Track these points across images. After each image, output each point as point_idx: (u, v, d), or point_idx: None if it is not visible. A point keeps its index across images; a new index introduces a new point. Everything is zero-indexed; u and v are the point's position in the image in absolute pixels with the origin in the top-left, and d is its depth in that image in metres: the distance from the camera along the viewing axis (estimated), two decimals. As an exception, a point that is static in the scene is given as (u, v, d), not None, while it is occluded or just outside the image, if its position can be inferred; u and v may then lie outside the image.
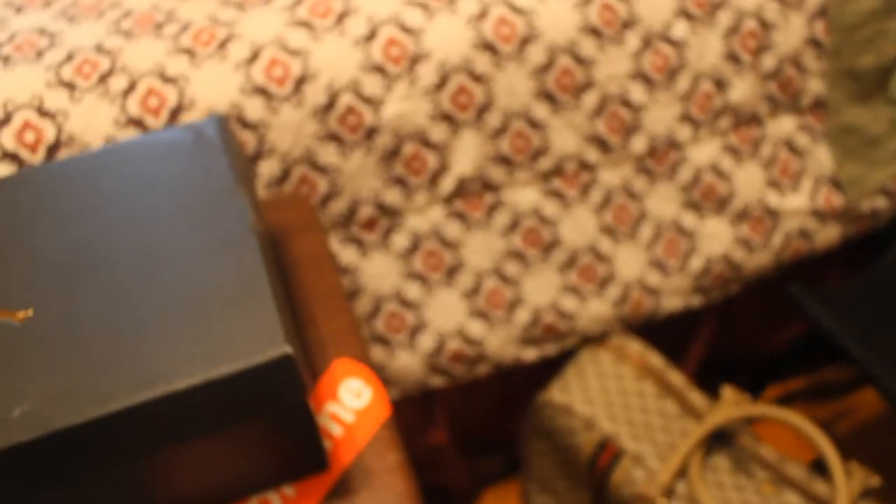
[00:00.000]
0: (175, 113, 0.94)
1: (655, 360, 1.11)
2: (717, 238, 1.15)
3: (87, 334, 0.64)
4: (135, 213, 0.72)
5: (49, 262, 0.69)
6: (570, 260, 1.11)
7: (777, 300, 1.17)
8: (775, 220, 1.15)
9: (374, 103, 0.99)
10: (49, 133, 0.93)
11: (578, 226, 1.10)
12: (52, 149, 0.93)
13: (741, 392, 1.08)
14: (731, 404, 1.05)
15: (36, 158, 0.93)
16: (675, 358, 1.22)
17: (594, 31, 1.03)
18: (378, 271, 1.05)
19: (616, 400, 1.09)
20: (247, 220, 0.70)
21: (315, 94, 0.99)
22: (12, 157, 0.92)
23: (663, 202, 1.13)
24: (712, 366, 1.29)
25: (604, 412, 1.07)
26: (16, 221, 0.73)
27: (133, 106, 0.94)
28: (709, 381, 1.20)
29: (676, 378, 1.10)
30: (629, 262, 1.13)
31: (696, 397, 1.09)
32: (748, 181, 1.14)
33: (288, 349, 0.62)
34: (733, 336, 1.27)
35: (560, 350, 1.17)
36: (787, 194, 1.15)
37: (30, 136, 0.93)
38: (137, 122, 0.94)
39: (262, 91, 0.95)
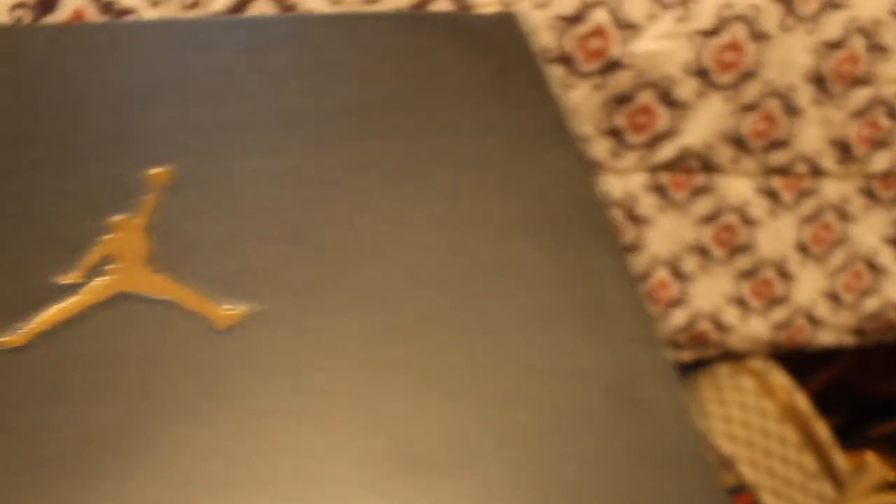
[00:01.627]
0: None
1: (803, 403, 0.97)
2: (906, 286, 0.99)
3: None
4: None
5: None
6: (752, 270, 0.93)
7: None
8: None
9: (628, 30, 0.77)
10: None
11: (776, 235, 0.93)
12: None
13: (884, 463, 0.95)
14: (876, 478, 0.92)
15: None
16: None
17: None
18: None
19: (759, 441, 0.94)
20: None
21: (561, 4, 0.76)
22: None
23: (868, 232, 0.96)
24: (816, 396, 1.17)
25: (745, 454, 0.92)
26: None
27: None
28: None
29: (822, 431, 0.96)
30: (808, 287, 0.97)
31: (840, 459, 0.96)
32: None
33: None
34: (858, 375, 1.14)
35: (695, 358, 1.01)
36: None
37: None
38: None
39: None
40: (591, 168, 0.50)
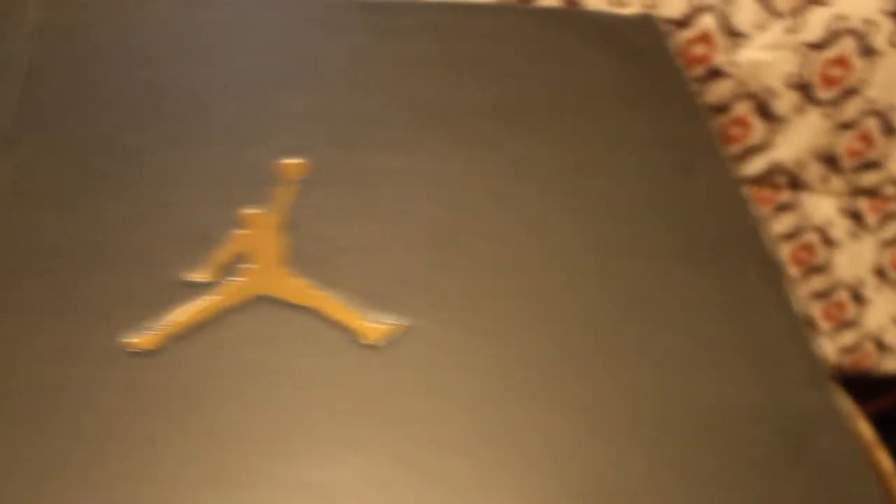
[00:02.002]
0: None
1: (866, 430, 0.94)
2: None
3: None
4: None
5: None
6: (825, 291, 0.91)
7: None
8: None
9: (734, 38, 0.74)
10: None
11: (854, 257, 0.90)
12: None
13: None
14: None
15: None
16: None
17: None
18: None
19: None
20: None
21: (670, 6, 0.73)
22: None
23: (948, 260, 0.93)
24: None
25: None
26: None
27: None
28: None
29: (884, 460, 0.93)
30: (879, 312, 0.94)
31: (899, 490, 0.93)
32: None
33: None
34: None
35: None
36: None
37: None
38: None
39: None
40: (744, 189, 0.47)
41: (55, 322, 0.37)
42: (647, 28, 0.52)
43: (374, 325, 0.39)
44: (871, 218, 0.90)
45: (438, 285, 0.39)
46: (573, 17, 0.51)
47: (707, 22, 0.75)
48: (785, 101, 0.79)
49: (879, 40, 0.77)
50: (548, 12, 0.53)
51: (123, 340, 0.37)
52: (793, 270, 0.92)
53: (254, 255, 0.40)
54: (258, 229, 0.41)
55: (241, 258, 0.40)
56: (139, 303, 0.38)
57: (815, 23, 0.75)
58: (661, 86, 0.49)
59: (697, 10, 0.74)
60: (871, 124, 0.83)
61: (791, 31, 0.74)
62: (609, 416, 0.38)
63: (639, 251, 0.42)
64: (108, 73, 0.46)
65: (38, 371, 0.36)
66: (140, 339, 0.38)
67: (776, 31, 0.74)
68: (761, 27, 0.75)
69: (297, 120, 0.44)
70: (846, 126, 0.82)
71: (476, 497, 0.35)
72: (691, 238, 0.44)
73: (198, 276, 0.40)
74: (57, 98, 0.45)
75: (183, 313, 0.38)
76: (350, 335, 0.38)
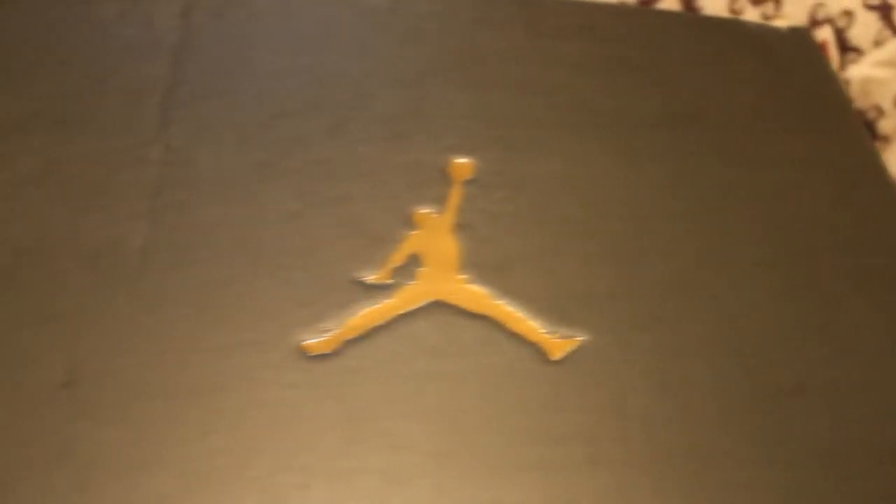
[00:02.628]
0: None
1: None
2: None
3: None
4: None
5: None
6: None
7: None
8: None
9: (850, 54, 0.72)
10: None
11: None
12: None
13: None
14: None
15: None
16: None
17: None
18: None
19: None
20: None
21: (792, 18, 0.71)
22: None
23: None
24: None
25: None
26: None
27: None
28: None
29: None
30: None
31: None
32: None
33: None
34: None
35: None
36: None
37: None
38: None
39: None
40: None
41: (225, 319, 0.36)
42: (800, 42, 0.50)
43: (556, 339, 0.37)
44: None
45: (618, 302, 0.38)
46: (731, 28, 0.50)
47: (825, 34, 0.73)
48: (892, 121, 0.77)
49: None
50: (706, 22, 0.51)
51: (301, 344, 0.36)
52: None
53: (427, 258, 0.39)
54: (430, 231, 0.39)
55: (414, 260, 0.39)
56: (311, 303, 0.37)
57: (936, 42, 0.73)
58: (818, 104, 0.47)
59: (817, 23, 0.73)
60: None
61: (912, 47, 0.73)
62: (795, 446, 0.36)
63: (814, 282, 0.41)
64: (263, 57, 0.44)
65: (210, 369, 0.35)
66: (316, 343, 0.36)
67: (893, 47, 0.73)
68: (879, 43, 0.73)
69: (459, 118, 0.42)
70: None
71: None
72: (865, 269, 0.42)
73: (372, 278, 0.38)
74: (209, 79, 0.43)
75: (358, 316, 0.37)
76: (530, 348, 0.37)
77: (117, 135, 0.41)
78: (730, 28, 0.50)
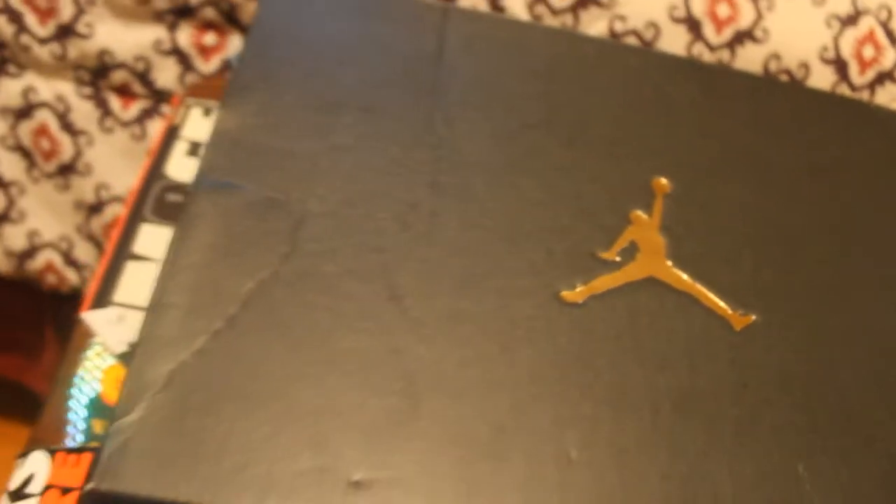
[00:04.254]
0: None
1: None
2: None
3: None
4: None
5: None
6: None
7: None
8: None
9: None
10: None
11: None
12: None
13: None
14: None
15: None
16: None
17: None
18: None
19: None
20: None
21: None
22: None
23: None
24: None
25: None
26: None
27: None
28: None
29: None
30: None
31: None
32: None
33: None
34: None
35: None
36: None
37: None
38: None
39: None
40: None
41: (500, 268, 0.48)
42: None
43: (738, 315, 0.50)
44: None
45: (783, 292, 0.51)
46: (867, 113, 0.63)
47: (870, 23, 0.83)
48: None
49: None
50: (851, 102, 0.64)
51: (559, 293, 0.48)
52: None
53: (642, 246, 0.51)
54: (643, 227, 0.52)
55: (633, 246, 0.51)
56: (562, 266, 0.49)
57: None
58: None
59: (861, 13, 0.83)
60: None
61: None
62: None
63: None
64: (505, 80, 0.57)
65: (493, 303, 0.47)
66: (571, 293, 0.48)
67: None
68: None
69: (656, 148, 0.55)
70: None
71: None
72: None
73: (604, 255, 0.51)
74: (465, 92, 0.56)
75: (597, 280, 0.49)
76: (719, 320, 0.49)
77: (405, 123, 0.54)
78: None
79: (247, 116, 0.52)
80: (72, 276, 0.84)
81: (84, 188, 0.80)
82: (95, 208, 0.81)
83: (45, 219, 0.82)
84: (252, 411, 0.42)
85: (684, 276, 0.51)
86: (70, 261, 0.83)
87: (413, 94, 0.56)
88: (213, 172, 0.50)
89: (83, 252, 0.83)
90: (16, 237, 0.83)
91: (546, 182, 0.53)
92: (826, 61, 0.80)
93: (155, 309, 0.45)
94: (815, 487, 0.45)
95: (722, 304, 0.50)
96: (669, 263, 0.52)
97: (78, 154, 0.79)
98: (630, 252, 0.52)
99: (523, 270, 0.49)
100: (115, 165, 0.79)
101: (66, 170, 0.80)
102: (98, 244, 0.83)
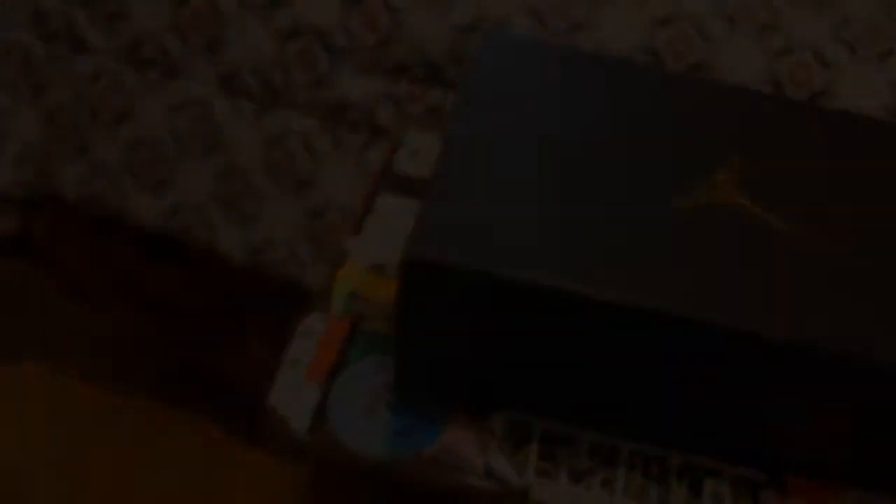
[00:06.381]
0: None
1: None
2: None
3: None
4: None
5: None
6: None
7: None
8: None
9: None
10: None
11: None
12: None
13: None
14: None
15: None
16: None
17: None
18: None
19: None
20: None
21: None
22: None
23: None
24: None
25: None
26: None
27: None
28: None
29: None
30: None
31: None
32: None
33: None
34: None
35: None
36: None
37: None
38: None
39: None
40: None
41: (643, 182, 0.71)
42: None
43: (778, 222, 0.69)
44: None
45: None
46: None
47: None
48: None
49: None
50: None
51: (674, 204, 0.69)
52: None
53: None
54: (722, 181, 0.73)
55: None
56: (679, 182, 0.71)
57: None
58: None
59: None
60: None
61: None
62: None
63: None
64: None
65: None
66: (687, 202, 0.70)
67: None
68: None
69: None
70: None
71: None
72: None
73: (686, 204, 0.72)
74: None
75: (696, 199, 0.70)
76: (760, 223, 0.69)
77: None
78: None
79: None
80: (295, 272, 1.08)
81: (315, 199, 1.05)
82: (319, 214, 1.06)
83: (279, 221, 1.07)
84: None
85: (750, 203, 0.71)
86: (295, 259, 1.07)
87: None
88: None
89: (306, 252, 1.07)
90: (253, 235, 1.07)
91: (629, 156, 0.74)
92: None
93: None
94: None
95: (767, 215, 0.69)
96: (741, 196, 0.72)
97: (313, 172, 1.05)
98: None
99: (644, 183, 0.71)
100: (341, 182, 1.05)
101: (303, 185, 1.06)
102: (319, 245, 1.07)
